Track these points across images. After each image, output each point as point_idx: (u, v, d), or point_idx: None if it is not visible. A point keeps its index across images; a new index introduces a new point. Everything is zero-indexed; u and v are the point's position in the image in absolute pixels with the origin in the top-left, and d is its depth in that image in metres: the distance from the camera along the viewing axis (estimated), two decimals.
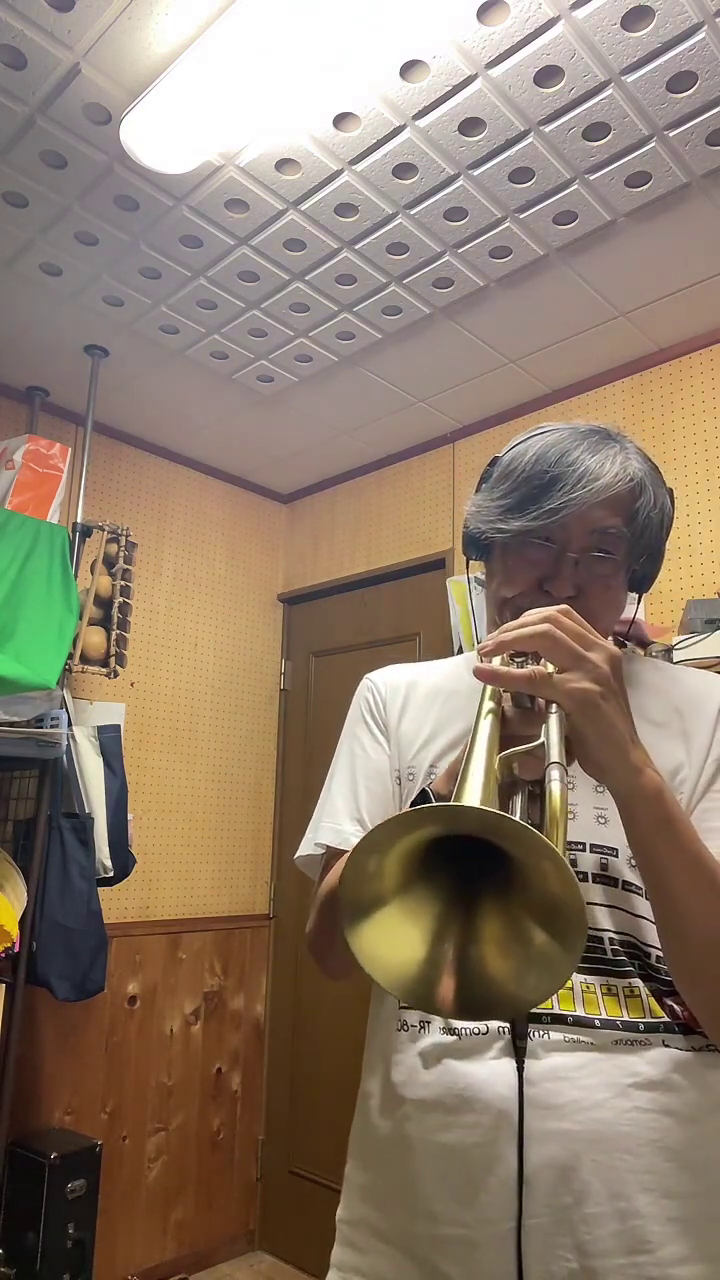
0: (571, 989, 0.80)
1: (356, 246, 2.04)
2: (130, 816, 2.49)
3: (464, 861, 0.63)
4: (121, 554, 2.50)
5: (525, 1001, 0.62)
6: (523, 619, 0.74)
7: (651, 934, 0.81)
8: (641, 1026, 0.79)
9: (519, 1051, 0.78)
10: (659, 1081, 0.77)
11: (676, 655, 1.93)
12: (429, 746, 0.97)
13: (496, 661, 0.74)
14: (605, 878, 0.84)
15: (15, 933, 2.05)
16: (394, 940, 0.63)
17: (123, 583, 2.49)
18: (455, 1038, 0.82)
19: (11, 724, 2.07)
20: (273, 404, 2.81)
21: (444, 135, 1.71)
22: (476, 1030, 0.81)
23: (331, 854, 0.96)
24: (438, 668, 1.06)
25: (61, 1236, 2.16)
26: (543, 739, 0.67)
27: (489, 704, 0.71)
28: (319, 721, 3.22)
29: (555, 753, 0.65)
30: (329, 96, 1.63)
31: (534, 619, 0.73)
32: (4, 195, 1.90)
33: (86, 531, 2.50)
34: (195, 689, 3.09)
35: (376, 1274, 0.83)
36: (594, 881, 0.84)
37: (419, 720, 0.99)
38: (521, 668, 0.71)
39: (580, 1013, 0.79)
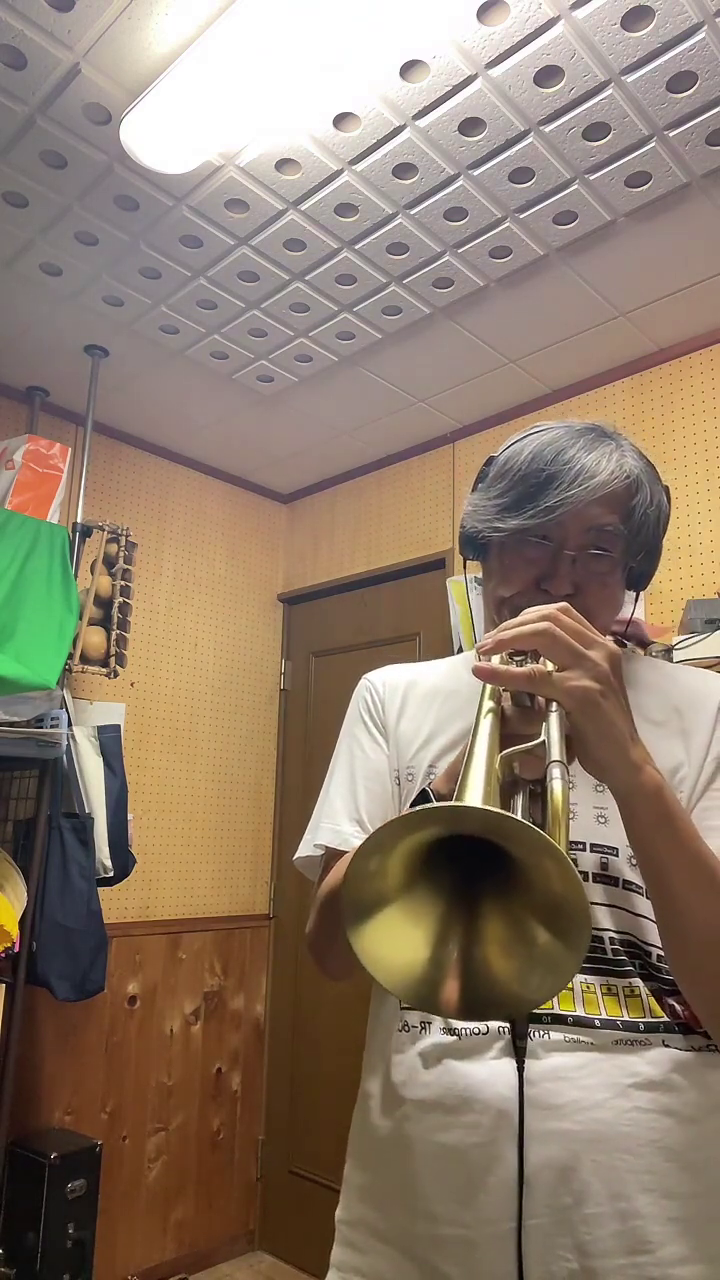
0: (572, 989, 0.80)
1: (356, 246, 2.04)
2: (130, 816, 2.49)
3: (466, 861, 0.63)
4: (121, 554, 2.50)
5: (529, 1001, 0.62)
6: (521, 617, 0.73)
7: (652, 933, 0.81)
8: (642, 1026, 0.79)
9: (519, 1051, 0.78)
10: (659, 1081, 0.77)
11: (676, 655, 1.93)
12: (428, 746, 0.97)
13: (496, 660, 0.73)
14: (606, 877, 0.84)
15: (15, 933, 2.05)
16: (397, 941, 0.63)
17: (123, 583, 2.49)
18: (455, 1038, 0.81)
19: (11, 724, 2.07)
20: (273, 404, 2.81)
21: (444, 135, 1.71)
22: (476, 1030, 0.80)
23: (331, 855, 0.96)
24: (436, 668, 1.06)
25: (61, 1236, 2.16)
26: (543, 737, 0.66)
27: (489, 703, 0.71)
28: (319, 721, 3.22)
29: (556, 751, 0.64)
30: (329, 96, 1.63)
31: (533, 617, 0.72)
32: (4, 195, 1.90)
33: (86, 531, 2.50)
34: (195, 689, 3.09)
35: (376, 1274, 0.83)
36: (594, 881, 0.84)
37: (418, 720, 0.99)
38: (521, 666, 0.71)
39: (580, 1013, 0.79)
